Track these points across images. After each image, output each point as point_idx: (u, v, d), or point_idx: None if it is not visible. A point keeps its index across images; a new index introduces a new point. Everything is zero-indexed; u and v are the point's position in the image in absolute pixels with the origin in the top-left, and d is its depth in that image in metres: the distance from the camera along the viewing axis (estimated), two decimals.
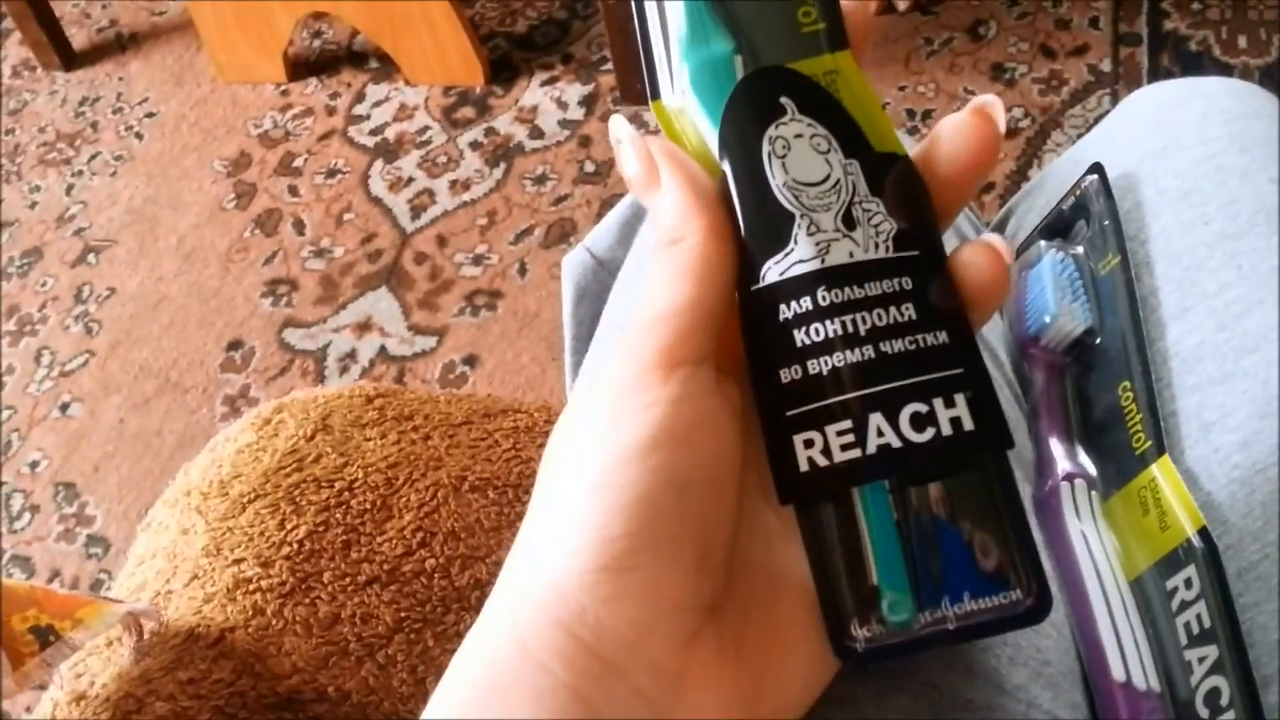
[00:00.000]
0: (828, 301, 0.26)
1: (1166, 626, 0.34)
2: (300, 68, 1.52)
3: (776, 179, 0.27)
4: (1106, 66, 1.31)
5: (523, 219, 1.32)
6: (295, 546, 0.50)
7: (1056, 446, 0.40)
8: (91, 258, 1.40)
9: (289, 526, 0.51)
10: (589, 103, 1.41)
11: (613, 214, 0.52)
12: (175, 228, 1.40)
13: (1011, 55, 1.34)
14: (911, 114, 1.31)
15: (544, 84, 1.44)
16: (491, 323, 1.24)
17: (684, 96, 0.28)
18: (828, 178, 0.27)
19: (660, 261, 0.26)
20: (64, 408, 1.27)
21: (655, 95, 0.29)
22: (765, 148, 0.27)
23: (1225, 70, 1.27)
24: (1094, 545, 0.37)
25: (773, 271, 0.27)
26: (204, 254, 1.37)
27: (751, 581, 0.27)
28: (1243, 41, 1.30)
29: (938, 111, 1.31)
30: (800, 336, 0.26)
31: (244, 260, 1.35)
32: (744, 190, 0.27)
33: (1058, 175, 0.48)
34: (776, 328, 0.27)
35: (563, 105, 1.42)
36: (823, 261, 0.26)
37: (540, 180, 1.35)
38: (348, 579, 0.49)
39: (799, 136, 0.27)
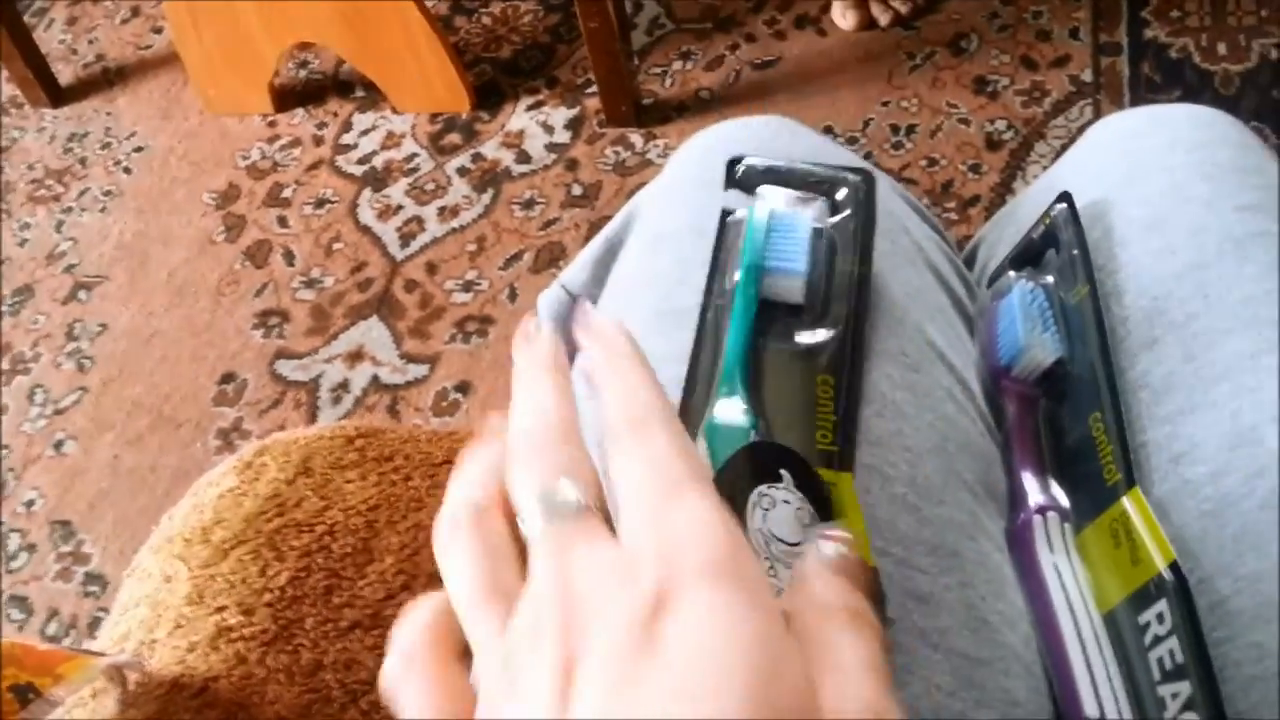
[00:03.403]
0: None
1: (1139, 662, 0.34)
2: (287, 98, 1.52)
3: (753, 523, 0.29)
4: (1088, 76, 1.32)
5: (512, 244, 1.32)
6: (277, 593, 0.50)
7: (1029, 480, 0.40)
8: (83, 294, 1.40)
9: (270, 573, 0.51)
10: (575, 126, 1.41)
11: (586, 252, 0.52)
12: (166, 262, 1.41)
13: (993, 68, 1.35)
14: (895, 129, 1.31)
15: (530, 108, 1.44)
16: (483, 349, 1.24)
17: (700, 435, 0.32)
18: (799, 544, 0.29)
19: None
20: (58, 445, 1.27)
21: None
22: (753, 498, 0.30)
23: (1206, 77, 1.28)
24: (1066, 579, 0.37)
25: None
26: (195, 287, 1.37)
27: None
28: (1222, 48, 1.30)
29: (921, 126, 1.31)
30: None
31: (235, 293, 1.35)
32: None
33: (1027, 204, 0.48)
34: None
35: (549, 129, 1.42)
36: None
37: (528, 205, 1.35)
38: (329, 625, 0.49)
39: (786, 502, 0.30)
